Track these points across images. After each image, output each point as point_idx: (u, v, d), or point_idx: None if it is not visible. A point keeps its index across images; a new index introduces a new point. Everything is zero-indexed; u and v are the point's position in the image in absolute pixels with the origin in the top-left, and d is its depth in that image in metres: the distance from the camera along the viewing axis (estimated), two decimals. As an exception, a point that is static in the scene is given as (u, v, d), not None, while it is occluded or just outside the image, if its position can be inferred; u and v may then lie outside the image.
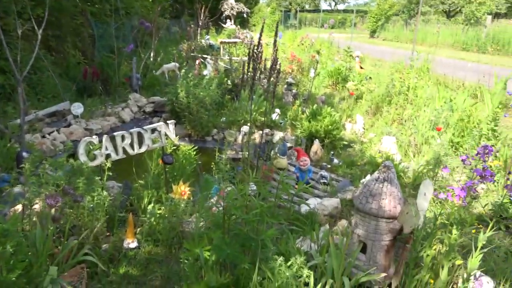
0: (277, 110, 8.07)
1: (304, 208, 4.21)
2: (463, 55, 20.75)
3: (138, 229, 3.88)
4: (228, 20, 24.18)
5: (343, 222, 3.88)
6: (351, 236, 2.81)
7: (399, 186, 2.81)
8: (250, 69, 4.52)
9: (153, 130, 3.96)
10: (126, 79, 10.45)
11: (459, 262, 2.80)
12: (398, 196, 2.70)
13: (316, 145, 5.91)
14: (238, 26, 23.09)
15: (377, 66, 15.07)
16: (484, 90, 8.38)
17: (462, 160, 3.89)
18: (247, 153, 5.64)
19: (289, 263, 2.39)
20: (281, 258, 2.37)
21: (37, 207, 3.35)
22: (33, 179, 3.29)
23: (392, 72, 9.05)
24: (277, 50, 4.68)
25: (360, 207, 2.75)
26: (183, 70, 12.96)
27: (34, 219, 3.17)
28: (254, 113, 7.66)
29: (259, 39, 4.43)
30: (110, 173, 3.81)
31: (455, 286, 2.89)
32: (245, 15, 28.34)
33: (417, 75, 8.44)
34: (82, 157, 3.47)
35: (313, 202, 4.50)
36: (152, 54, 12.53)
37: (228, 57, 11.97)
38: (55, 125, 7.58)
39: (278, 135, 7.35)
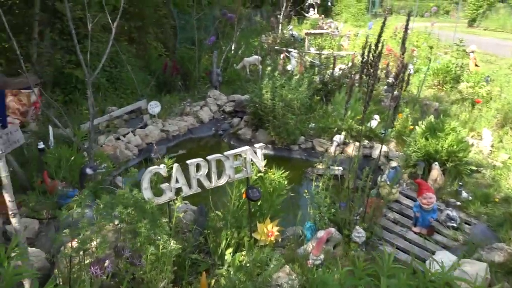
0: (376, 117, 6.80)
1: (434, 267, 3.02)
2: None
3: (213, 281, 3.00)
4: (311, 9, 22.85)
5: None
6: None
7: None
8: (366, 70, 3.38)
9: (237, 156, 3.04)
10: (206, 73, 9.80)
11: None
12: None
13: (436, 171, 4.61)
14: (322, 15, 21.68)
15: (489, 62, 12.84)
16: None
17: None
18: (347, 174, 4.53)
19: None
20: None
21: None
22: (84, 220, 2.54)
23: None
24: (404, 45, 3.48)
25: None
26: (266, 65, 12.14)
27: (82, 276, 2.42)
28: (350, 120, 6.47)
29: (379, 39, 3.27)
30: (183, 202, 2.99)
31: None
32: (329, 3, 26.79)
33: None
34: (146, 193, 2.65)
35: (442, 257, 3.27)
36: (233, 47, 11.77)
37: (317, 51, 10.79)
38: (132, 123, 7.10)
39: (378, 149, 6.10)
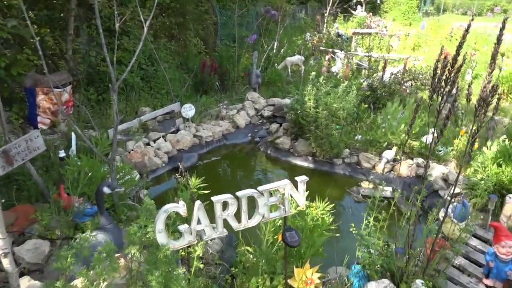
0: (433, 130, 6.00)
1: None
2: None
3: None
4: (358, 6, 21.77)
5: None
6: None
7: None
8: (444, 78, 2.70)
9: (273, 192, 2.49)
10: (245, 74, 9.29)
11: None
12: None
13: (511, 206, 3.85)
14: (370, 13, 20.57)
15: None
16: None
17: None
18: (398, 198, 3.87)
19: None
20: None
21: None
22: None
23: None
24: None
25: None
26: (309, 66, 11.47)
27: None
28: (403, 135, 5.74)
29: (458, 50, 2.58)
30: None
31: None
32: (378, 0, 25.50)
33: None
34: (161, 237, 2.16)
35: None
36: (275, 45, 11.18)
37: (365, 52, 9.98)
38: (165, 125, 6.71)
39: (435, 169, 5.35)
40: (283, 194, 2.48)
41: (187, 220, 2.39)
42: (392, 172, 5.71)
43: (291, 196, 2.56)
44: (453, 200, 3.97)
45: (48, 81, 6.19)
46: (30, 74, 5.93)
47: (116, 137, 3.95)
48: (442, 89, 2.67)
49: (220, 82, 8.96)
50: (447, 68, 2.62)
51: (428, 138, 5.87)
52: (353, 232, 3.30)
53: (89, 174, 3.81)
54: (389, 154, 5.70)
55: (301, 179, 2.50)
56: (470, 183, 4.45)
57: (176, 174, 3.45)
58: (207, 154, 6.37)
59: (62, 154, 4.18)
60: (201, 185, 3.40)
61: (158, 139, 6.00)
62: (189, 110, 6.65)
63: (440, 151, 5.66)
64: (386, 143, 5.85)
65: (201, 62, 8.88)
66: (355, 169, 5.89)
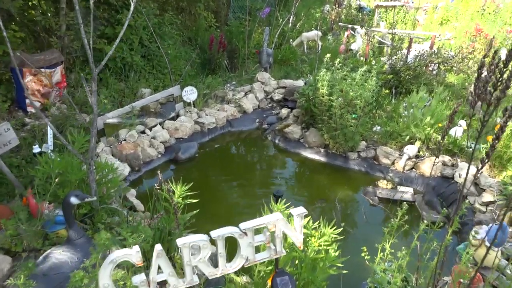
0: (462, 123, 5.32)
1: None
2: None
3: None
4: (384, -24, 20.34)
5: None
6: None
7: None
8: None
9: (261, 229, 1.94)
10: (256, 52, 8.59)
11: None
12: None
13: (558, 226, 3.22)
14: (396, -17, 19.17)
15: None
16: None
17: None
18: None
19: None
20: None
21: None
22: None
23: None
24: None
25: None
26: (328, 39, 10.64)
27: None
28: (428, 128, 5.06)
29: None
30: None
31: None
32: (405, -31, 23.85)
33: None
34: (107, 294, 1.65)
35: None
36: (291, 19, 10.37)
37: (388, 29, 9.10)
38: (167, 108, 6.12)
39: (464, 169, 4.70)
40: (273, 232, 1.93)
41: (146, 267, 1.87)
42: (413, 170, 5.07)
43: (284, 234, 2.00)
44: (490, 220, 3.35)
45: (38, 60, 5.71)
46: (16, 53, 5.42)
47: (95, 134, 3.42)
48: (489, 96, 2.02)
49: (228, 60, 8.31)
50: (498, 67, 1.96)
51: (457, 131, 5.18)
52: (365, 258, 2.74)
53: (64, 175, 3.31)
54: (411, 149, 5.05)
55: (298, 212, 1.94)
56: (508, 192, 3.80)
57: (155, 185, 2.91)
58: (209, 142, 5.84)
59: (36, 149, 3.71)
60: (198, 180, 2.88)
61: (154, 126, 5.47)
62: (190, 94, 6.09)
63: (470, 147, 4.98)
64: (408, 137, 5.19)
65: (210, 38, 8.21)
66: (372, 165, 5.27)
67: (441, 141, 2.36)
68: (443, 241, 2.35)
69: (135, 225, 3.43)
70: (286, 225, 1.93)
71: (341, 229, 2.60)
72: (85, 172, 3.58)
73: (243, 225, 1.85)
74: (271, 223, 1.88)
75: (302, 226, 1.96)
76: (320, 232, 2.47)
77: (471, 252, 2.59)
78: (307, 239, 2.39)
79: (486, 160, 1.86)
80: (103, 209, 3.58)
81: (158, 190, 2.94)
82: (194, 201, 3.18)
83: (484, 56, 2.08)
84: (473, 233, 2.98)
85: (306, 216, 2.03)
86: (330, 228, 2.53)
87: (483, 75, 2.08)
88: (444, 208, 2.80)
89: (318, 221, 2.70)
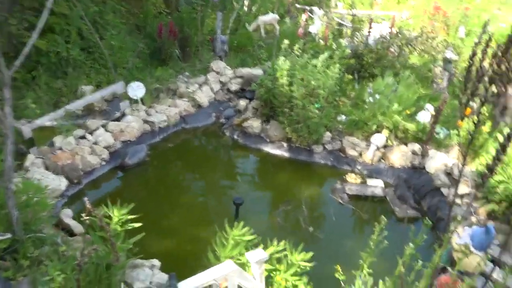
0: (429, 107, 5.05)
1: None
2: None
3: None
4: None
5: None
6: None
7: None
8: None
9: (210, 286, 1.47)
10: (210, 39, 7.99)
11: None
12: None
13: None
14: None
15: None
16: None
17: None
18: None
19: None
20: None
21: None
22: None
23: None
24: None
25: None
26: (286, 22, 10.16)
27: None
28: (395, 115, 4.74)
29: None
30: None
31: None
32: None
33: None
34: None
35: None
36: (246, 2, 9.79)
37: (351, 12, 8.70)
38: (113, 107, 5.48)
39: (434, 158, 4.42)
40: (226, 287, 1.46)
41: None
42: (382, 161, 4.76)
43: None
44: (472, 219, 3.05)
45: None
46: None
47: (11, 150, 2.81)
48: (484, 91, 1.62)
49: (180, 49, 7.66)
50: (496, 56, 1.56)
51: (424, 116, 4.90)
52: (340, 278, 2.34)
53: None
54: (378, 139, 4.72)
55: (256, 258, 1.48)
56: (476, 175, 3.53)
57: (83, 215, 2.36)
58: (160, 143, 5.27)
59: None
60: (153, 187, 2.36)
61: (96, 129, 4.83)
62: (137, 90, 5.47)
63: (439, 133, 4.71)
64: (375, 126, 4.85)
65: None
66: (339, 157, 4.92)
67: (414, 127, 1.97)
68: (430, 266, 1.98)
69: (70, 254, 2.91)
70: (241, 275, 1.47)
71: (311, 254, 2.18)
72: (3, 197, 2.97)
73: (183, 286, 1.37)
74: (220, 278, 1.42)
75: (262, 273, 1.51)
76: (287, 262, 2.03)
77: (457, 267, 2.25)
78: (272, 274, 1.94)
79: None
80: (30, 239, 2.99)
81: (87, 220, 2.39)
82: (137, 225, 2.67)
83: (477, 44, 1.69)
84: (456, 238, 2.65)
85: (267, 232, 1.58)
86: (299, 254, 2.11)
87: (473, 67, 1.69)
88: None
89: (284, 242, 2.28)
